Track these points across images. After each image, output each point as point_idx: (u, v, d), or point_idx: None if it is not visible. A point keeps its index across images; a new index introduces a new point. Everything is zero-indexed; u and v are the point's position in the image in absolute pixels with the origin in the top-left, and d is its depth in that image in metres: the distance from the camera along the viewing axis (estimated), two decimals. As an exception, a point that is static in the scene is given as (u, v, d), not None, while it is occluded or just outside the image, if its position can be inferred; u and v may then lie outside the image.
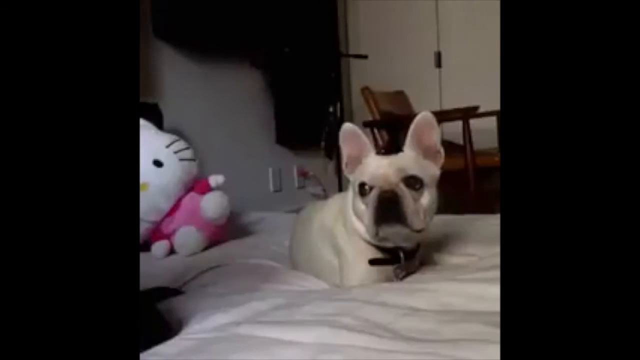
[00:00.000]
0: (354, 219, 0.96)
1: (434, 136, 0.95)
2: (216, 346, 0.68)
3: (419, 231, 0.90)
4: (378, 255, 0.96)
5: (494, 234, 1.12)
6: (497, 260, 0.92)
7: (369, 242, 0.95)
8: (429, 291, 0.82)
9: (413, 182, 0.89)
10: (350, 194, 0.98)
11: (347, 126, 0.99)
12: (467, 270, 0.96)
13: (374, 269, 0.95)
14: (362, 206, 0.92)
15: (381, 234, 0.89)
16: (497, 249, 1.00)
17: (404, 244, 0.95)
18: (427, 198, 0.91)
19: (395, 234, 0.91)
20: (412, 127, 0.94)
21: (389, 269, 0.96)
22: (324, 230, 1.05)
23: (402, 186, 0.88)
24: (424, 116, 0.94)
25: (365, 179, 0.91)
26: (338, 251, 1.00)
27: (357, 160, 0.97)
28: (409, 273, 0.99)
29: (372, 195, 0.89)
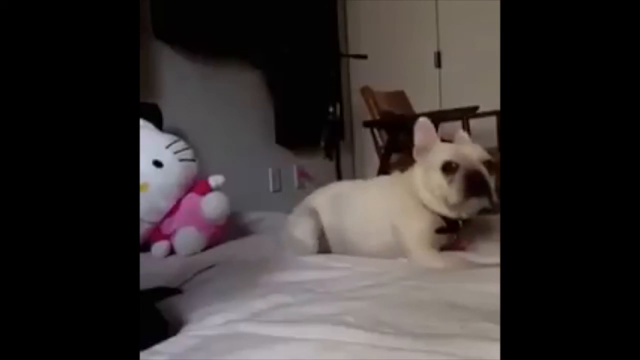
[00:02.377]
0: (425, 192, 1.13)
1: None
2: (218, 344, 0.68)
3: (493, 207, 1.06)
4: (442, 224, 1.14)
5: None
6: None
7: (434, 213, 1.13)
8: (431, 289, 0.83)
9: (489, 165, 1.07)
10: (418, 173, 1.16)
11: (422, 120, 1.17)
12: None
13: (438, 236, 1.14)
14: (442, 181, 1.08)
15: (467, 204, 1.07)
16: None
17: (466, 217, 1.13)
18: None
19: (478, 205, 1.09)
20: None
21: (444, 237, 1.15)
22: (380, 207, 1.22)
23: (483, 167, 1.06)
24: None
25: (452, 158, 1.07)
26: (400, 224, 1.16)
27: (425, 149, 1.15)
28: (457, 248, 1.18)
29: (460, 171, 1.06)
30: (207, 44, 2.53)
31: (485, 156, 1.08)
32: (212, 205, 1.58)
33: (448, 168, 1.07)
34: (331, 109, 2.81)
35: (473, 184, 1.04)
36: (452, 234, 1.16)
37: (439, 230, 1.14)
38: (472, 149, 1.10)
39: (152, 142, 1.59)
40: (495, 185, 1.04)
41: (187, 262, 1.43)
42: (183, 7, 2.35)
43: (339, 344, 0.63)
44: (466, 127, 2.24)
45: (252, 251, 1.46)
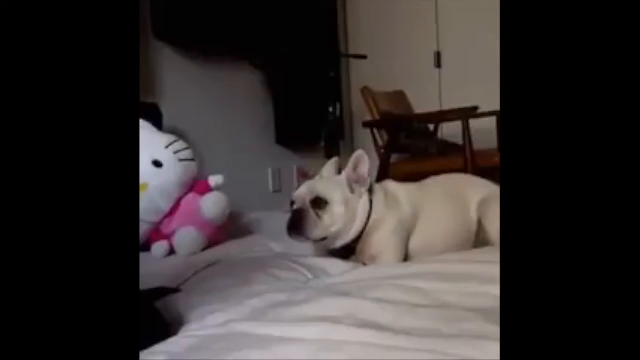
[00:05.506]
0: None
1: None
2: (218, 344, 0.68)
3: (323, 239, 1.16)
4: None
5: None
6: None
7: None
8: (431, 289, 0.83)
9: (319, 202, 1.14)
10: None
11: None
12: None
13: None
14: None
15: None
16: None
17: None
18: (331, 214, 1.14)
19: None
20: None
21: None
22: None
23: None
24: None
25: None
26: None
27: None
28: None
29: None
30: (207, 44, 2.53)
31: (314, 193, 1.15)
32: (212, 205, 1.58)
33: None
34: (331, 109, 2.81)
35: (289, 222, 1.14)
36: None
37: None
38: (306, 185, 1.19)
39: (151, 142, 1.59)
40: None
41: (187, 262, 1.43)
42: (183, 7, 2.35)
43: (338, 344, 0.63)
44: (466, 128, 2.24)
45: (251, 251, 1.46)
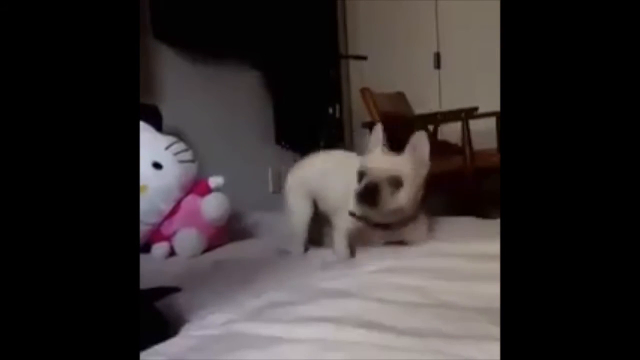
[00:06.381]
0: None
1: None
2: (217, 345, 0.68)
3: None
4: None
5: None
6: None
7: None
8: (431, 289, 0.83)
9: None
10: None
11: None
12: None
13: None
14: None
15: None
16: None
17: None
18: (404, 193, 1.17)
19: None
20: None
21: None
22: None
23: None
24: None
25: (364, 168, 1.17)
26: None
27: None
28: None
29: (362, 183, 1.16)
30: (206, 45, 2.53)
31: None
32: (213, 206, 1.58)
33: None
34: (331, 110, 2.81)
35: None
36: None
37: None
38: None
39: (151, 144, 1.59)
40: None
41: (187, 263, 1.43)
42: (183, 8, 2.35)
43: (338, 344, 0.63)
44: (465, 128, 2.24)
45: (251, 252, 1.46)
